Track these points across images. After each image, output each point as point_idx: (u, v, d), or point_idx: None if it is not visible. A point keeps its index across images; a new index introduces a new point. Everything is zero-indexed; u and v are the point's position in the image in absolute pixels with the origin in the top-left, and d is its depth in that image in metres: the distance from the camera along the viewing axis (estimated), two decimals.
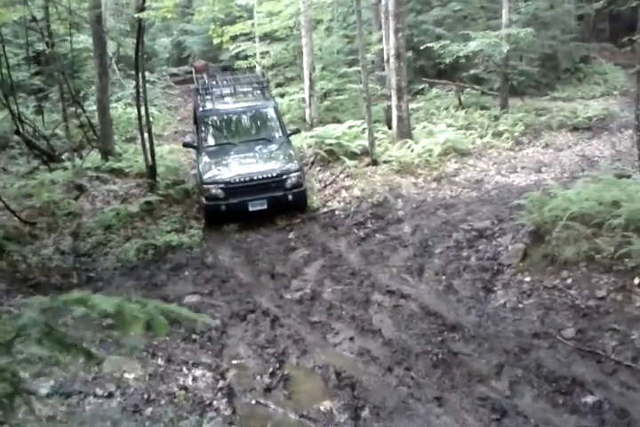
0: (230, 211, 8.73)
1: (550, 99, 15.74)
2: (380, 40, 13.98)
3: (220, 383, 4.92)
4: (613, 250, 5.88)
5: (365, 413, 4.45)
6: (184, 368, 5.13)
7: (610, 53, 20.15)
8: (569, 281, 5.98)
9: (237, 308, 6.43)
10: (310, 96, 14.22)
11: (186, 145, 10.34)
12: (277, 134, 10.10)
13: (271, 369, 5.12)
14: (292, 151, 9.83)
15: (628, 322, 5.28)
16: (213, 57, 23.24)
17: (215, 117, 10.23)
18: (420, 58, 16.85)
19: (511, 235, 7.31)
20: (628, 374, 4.72)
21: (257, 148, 9.81)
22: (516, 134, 12.56)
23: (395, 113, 12.51)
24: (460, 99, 15.02)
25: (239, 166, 9.19)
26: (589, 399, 4.43)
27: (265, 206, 8.78)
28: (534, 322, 5.60)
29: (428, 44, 14.53)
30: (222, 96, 10.62)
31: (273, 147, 9.85)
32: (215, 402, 4.63)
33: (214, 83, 11.50)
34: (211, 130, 10.07)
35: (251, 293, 6.85)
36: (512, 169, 10.75)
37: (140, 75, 9.73)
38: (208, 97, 10.47)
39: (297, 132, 10.65)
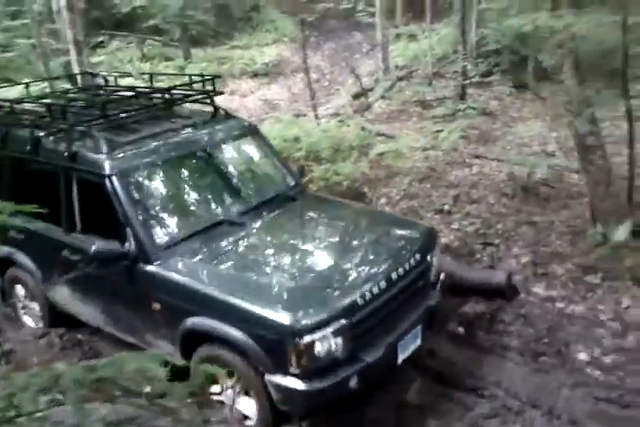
0: (365, 384, 3.56)
1: (230, 47, 16.53)
2: None
3: None
4: None
5: None
6: None
7: (276, 1, 21.75)
8: None
9: None
10: None
11: (104, 258, 3.82)
12: (288, 182, 4.89)
13: None
14: (357, 205, 5.44)
15: None
16: None
17: (158, 174, 4.33)
18: (94, 9, 16.00)
19: None
20: None
21: (287, 217, 4.57)
22: None
23: (76, 68, 11.90)
24: (142, 51, 14.87)
25: (327, 264, 3.95)
26: None
27: (419, 340, 4.01)
28: None
29: None
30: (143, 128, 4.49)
31: (310, 206, 4.82)
32: None
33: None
34: (164, 202, 4.26)
35: None
36: None
37: None
38: (108, 136, 4.23)
39: (303, 171, 5.28)
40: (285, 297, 3.49)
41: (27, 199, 3.79)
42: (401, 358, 3.81)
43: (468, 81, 9.64)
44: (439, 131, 7.79)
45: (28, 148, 4.45)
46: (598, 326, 4.55)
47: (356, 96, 10.88)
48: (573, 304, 4.79)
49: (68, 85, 6.88)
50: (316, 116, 9.03)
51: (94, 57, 14.02)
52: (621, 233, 5.07)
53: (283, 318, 3.30)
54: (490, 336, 4.54)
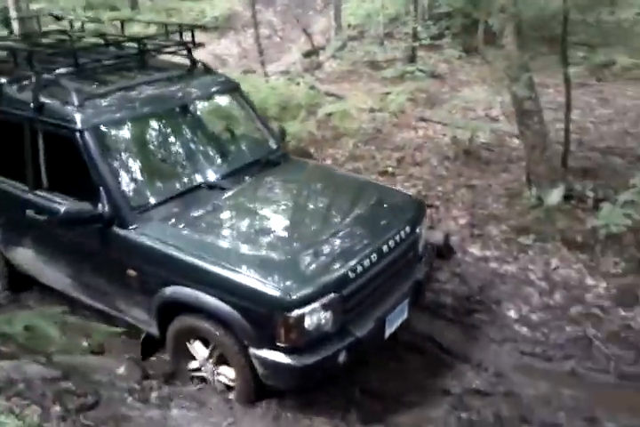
0: (352, 357, 3.39)
1: None
2: None
3: None
4: None
5: None
6: None
7: None
8: None
9: None
10: None
11: (75, 220, 3.47)
12: (270, 144, 4.60)
13: None
14: (344, 172, 5.59)
15: None
16: None
17: (134, 130, 3.99)
18: None
19: None
20: None
21: (271, 182, 4.24)
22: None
23: (15, 15, 11.28)
24: None
25: (317, 235, 3.64)
26: None
27: (406, 314, 3.88)
28: None
29: None
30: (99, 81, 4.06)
31: (295, 172, 4.52)
32: None
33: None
34: (141, 162, 3.91)
35: None
36: None
37: None
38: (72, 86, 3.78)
39: (284, 132, 4.94)
40: (274, 268, 3.25)
41: None
42: (388, 332, 3.66)
43: (418, 43, 9.63)
44: (387, 93, 7.80)
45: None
46: (528, 285, 4.77)
47: (307, 54, 10.73)
48: (506, 264, 4.99)
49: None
50: (266, 73, 8.89)
51: (34, 4, 13.29)
52: (554, 196, 5.27)
53: (272, 290, 3.10)
54: (426, 294, 4.70)
